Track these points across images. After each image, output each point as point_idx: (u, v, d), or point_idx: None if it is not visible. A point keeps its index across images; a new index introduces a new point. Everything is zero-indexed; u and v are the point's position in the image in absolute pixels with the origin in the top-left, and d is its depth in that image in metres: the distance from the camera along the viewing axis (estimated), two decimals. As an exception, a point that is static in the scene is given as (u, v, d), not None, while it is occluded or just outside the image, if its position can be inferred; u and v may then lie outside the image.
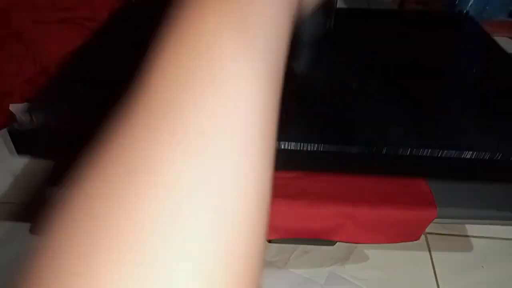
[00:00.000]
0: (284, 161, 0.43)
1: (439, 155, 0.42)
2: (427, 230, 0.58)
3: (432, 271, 0.74)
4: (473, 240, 0.78)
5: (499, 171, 0.44)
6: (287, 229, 0.55)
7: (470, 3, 1.18)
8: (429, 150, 0.42)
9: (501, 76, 0.57)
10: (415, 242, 0.58)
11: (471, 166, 0.44)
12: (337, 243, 0.67)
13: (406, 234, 0.50)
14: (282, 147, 0.42)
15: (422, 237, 0.78)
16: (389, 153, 0.42)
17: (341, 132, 0.44)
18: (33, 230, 0.69)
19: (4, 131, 0.99)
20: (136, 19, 0.70)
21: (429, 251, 0.76)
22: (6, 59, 1.00)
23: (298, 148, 0.42)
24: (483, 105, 0.50)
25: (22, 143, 0.47)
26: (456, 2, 1.21)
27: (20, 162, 0.93)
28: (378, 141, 0.43)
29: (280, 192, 0.53)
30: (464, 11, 0.73)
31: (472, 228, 0.80)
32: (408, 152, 0.42)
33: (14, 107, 1.02)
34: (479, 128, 0.46)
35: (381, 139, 0.44)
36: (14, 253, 0.72)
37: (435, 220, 0.55)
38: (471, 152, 0.42)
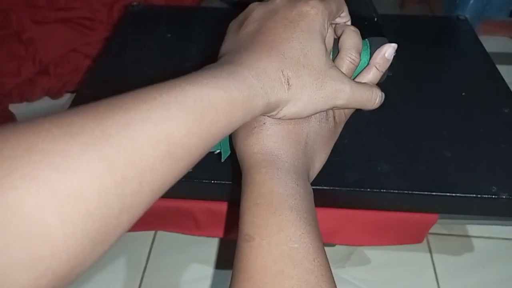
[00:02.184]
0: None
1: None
2: (427, 230, 0.58)
3: (433, 271, 0.74)
4: (474, 240, 0.78)
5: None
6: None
7: (470, 2, 1.17)
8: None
9: (489, 99, 0.54)
10: (415, 242, 0.58)
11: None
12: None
13: (409, 237, 0.50)
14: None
15: (423, 237, 0.78)
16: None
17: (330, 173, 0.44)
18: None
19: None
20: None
21: (430, 251, 0.76)
22: (6, 59, 1.00)
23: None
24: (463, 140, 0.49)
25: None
26: (457, 1, 1.21)
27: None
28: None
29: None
30: (458, 16, 0.71)
31: (472, 228, 0.80)
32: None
33: (14, 107, 1.02)
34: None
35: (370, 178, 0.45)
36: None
37: (436, 220, 0.54)
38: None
